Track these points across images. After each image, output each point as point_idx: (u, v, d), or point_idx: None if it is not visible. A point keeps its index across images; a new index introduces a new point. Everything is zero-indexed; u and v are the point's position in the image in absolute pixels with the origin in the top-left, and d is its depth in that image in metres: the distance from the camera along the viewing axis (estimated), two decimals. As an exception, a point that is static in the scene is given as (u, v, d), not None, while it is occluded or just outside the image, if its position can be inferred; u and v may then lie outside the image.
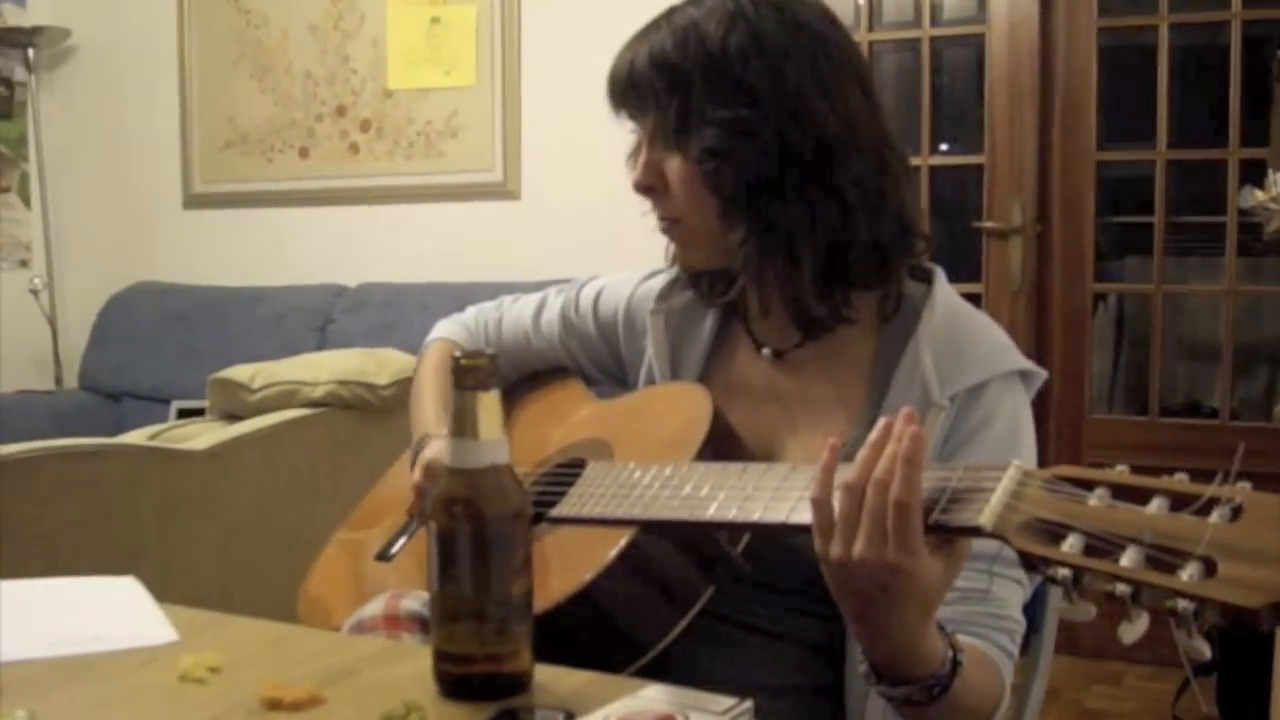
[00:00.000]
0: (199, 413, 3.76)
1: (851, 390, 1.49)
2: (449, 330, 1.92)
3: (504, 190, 4.68)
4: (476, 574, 1.07)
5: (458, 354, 1.08)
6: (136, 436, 2.87)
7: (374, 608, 1.35)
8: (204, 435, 2.89)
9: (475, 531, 1.07)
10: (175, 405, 4.49)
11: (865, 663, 1.20)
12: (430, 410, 1.77)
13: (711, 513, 1.25)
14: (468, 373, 1.07)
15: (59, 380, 5.38)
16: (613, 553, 1.29)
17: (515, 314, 1.86)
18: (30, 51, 5.39)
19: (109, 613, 1.38)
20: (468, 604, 1.06)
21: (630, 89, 1.46)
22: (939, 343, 1.42)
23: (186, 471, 2.78)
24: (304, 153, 5.08)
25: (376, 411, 3.12)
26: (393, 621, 1.32)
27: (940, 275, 1.50)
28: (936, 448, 1.38)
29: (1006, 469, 1.06)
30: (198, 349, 4.81)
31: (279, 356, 3.64)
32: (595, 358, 1.77)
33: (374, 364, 3.15)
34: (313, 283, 4.84)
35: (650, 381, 1.64)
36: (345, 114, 4.99)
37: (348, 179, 4.99)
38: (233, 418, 3.03)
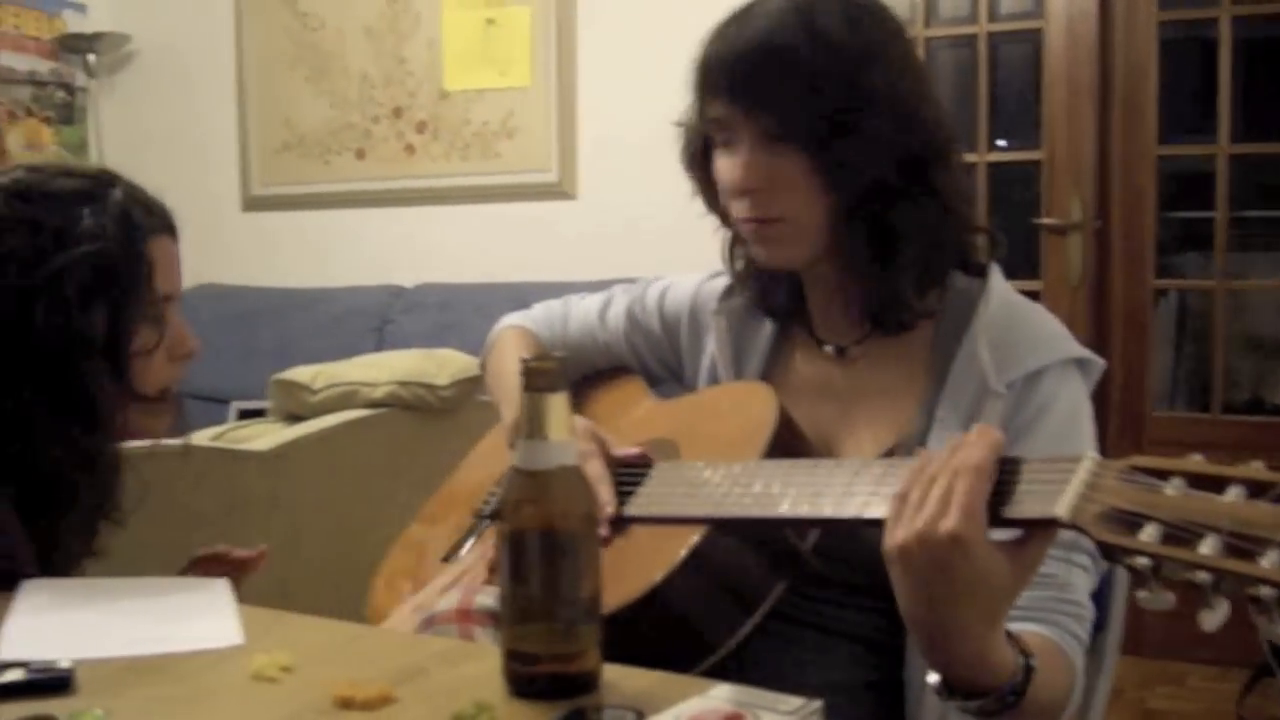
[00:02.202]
0: (259, 413, 3.79)
1: (910, 383, 1.49)
2: (518, 320, 1.94)
3: (560, 190, 4.69)
4: (546, 575, 1.07)
5: (526, 356, 1.09)
6: (201, 437, 2.90)
7: (447, 601, 1.36)
8: (266, 436, 2.91)
9: (544, 533, 1.07)
10: (235, 406, 4.53)
11: (937, 677, 1.19)
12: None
13: (783, 509, 1.25)
14: (537, 374, 1.08)
15: (121, 381, 5.44)
16: (683, 551, 1.29)
17: (582, 310, 1.87)
18: (91, 57, 5.46)
19: (182, 613, 1.39)
20: (537, 604, 1.07)
21: (755, 81, 1.41)
22: (995, 333, 1.43)
23: (250, 471, 2.81)
24: (361, 154, 5.12)
25: (436, 412, 3.13)
26: (465, 615, 1.33)
27: (995, 269, 1.51)
28: None
29: (1081, 460, 1.06)
30: (258, 350, 4.85)
31: (337, 357, 3.66)
32: (659, 354, 1.78)
33: (434, 365, 3.17)
34: (370, 284, 4.88)
35: (713, 380, 1.65)
36: (401, 115, 5.02)
37: (404, 180, 5.02)
38: (294, 418, 3.06)
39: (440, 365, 3.17)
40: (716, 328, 1.66)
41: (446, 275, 4.73)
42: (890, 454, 1.44)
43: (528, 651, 1.07)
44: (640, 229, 4.44)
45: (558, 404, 1.07)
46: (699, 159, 1.55)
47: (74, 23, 5.60)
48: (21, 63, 5.48)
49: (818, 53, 1.39)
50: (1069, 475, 1.05)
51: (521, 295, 4.40)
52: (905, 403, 1.48)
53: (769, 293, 1.62)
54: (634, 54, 4.50)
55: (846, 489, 1.21)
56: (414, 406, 3.11)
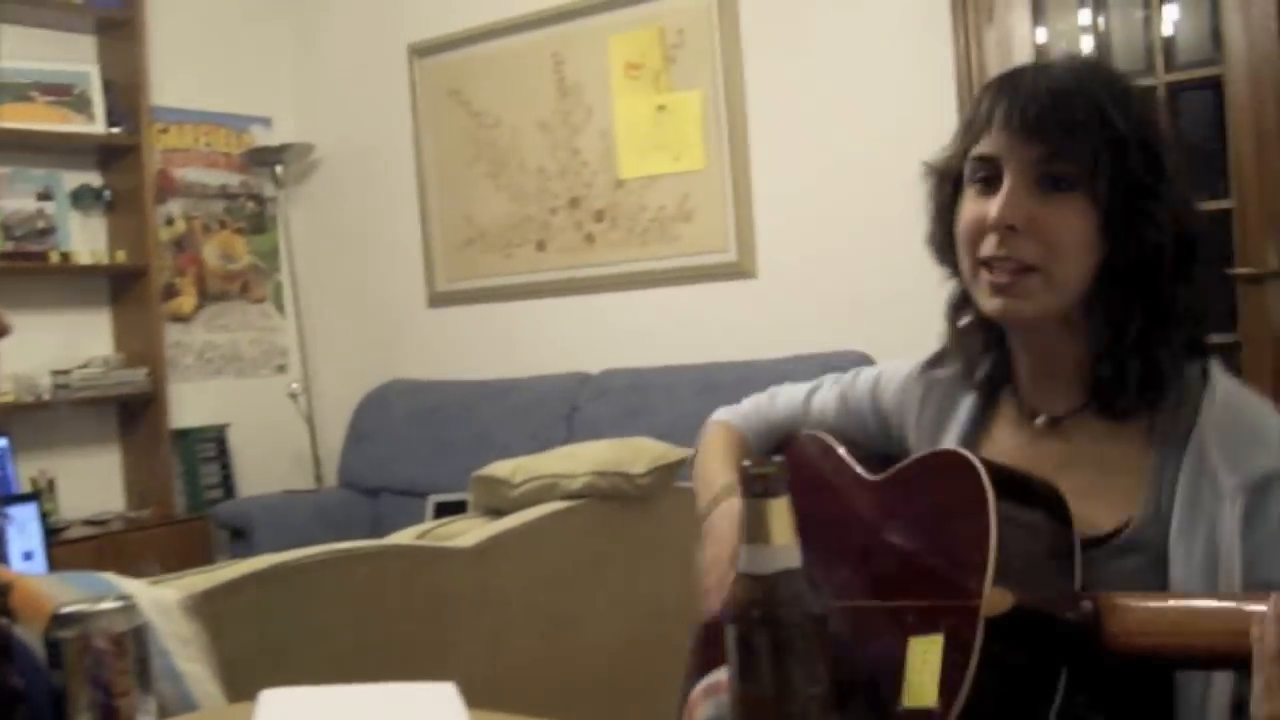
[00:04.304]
0: (456, 505, 3.84)
1: (1126, 460, 1.43)
2: (724, 416, 1.93)
3: (740, 270, 4.70)
4: (776, 678, 1.07)
5: (747, 462, 1.09)
6: (405, 535, 2.95)
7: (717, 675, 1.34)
8: (470, 532, 2.95)
9: (772, 636, 1.07)
10: (432, 500, 4.61)
11: None
12: (720, 475, 1.77)
13: None
14: (757, 480, 1.08)
15: (319, 479, 5.60)
16: None
17: (788, 395, 1.87)
18: (278, 168, 5.69)
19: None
20: (767, 708, 1.07)
21: (1057, 122, 1.39)
22: (1223, 428, 1.36)
23: (456, 568, 2.84)
24: (541, 246, 5.21)
25: (634, 500, 3.14)
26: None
27: (1215, 360, 1.44)
28: (1238, 541, 1.30)
29: None
30: (450, 442, 4.95)
31: (529, 446, 3.70)
32: (869, 440, 1.76)
33: (629, 453, 3.18)
34: (557, 372, 4.94)
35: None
36: (579, 205, 5.10)
37: (585, 268, 5.09)
38: (495, 512, 3.09)
39: (636, 453, 3.18)
40: (912, 395, 1.65)
41: (632, 360, 4.77)
42: (1126, 526, 1.38)
43: (759, 753, 1.07)
44: (822, 303, 4.43)
45: (779, 509, 1.08)
46: (948, 203, 1.52)
47: (261, 136, 5.84)
48: (214, 178, 5.72)
49: (1121, 110, 1.38)
50: None
51: (707, 376, 4.47)
52: (1128, 480, 1.42)
53: (976, 363, 1.58)
54: (805, 130, 4.51)
55: None
56: (611, 496, 3.12)
